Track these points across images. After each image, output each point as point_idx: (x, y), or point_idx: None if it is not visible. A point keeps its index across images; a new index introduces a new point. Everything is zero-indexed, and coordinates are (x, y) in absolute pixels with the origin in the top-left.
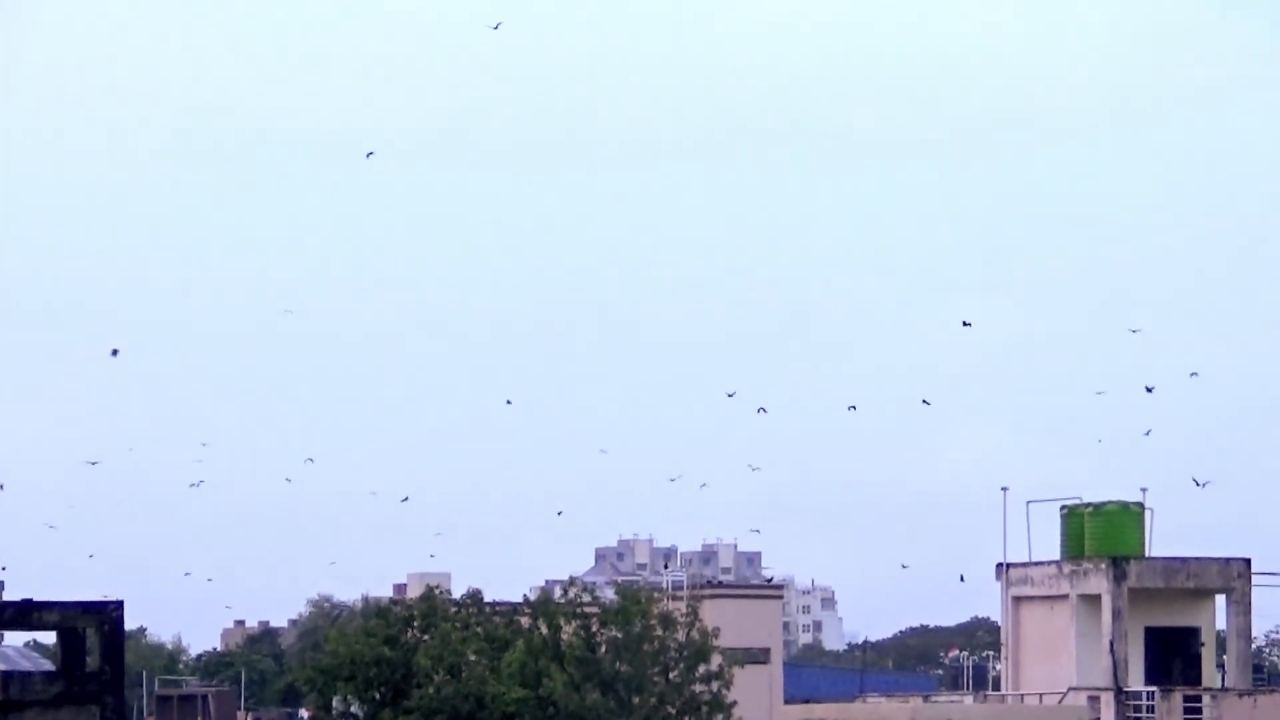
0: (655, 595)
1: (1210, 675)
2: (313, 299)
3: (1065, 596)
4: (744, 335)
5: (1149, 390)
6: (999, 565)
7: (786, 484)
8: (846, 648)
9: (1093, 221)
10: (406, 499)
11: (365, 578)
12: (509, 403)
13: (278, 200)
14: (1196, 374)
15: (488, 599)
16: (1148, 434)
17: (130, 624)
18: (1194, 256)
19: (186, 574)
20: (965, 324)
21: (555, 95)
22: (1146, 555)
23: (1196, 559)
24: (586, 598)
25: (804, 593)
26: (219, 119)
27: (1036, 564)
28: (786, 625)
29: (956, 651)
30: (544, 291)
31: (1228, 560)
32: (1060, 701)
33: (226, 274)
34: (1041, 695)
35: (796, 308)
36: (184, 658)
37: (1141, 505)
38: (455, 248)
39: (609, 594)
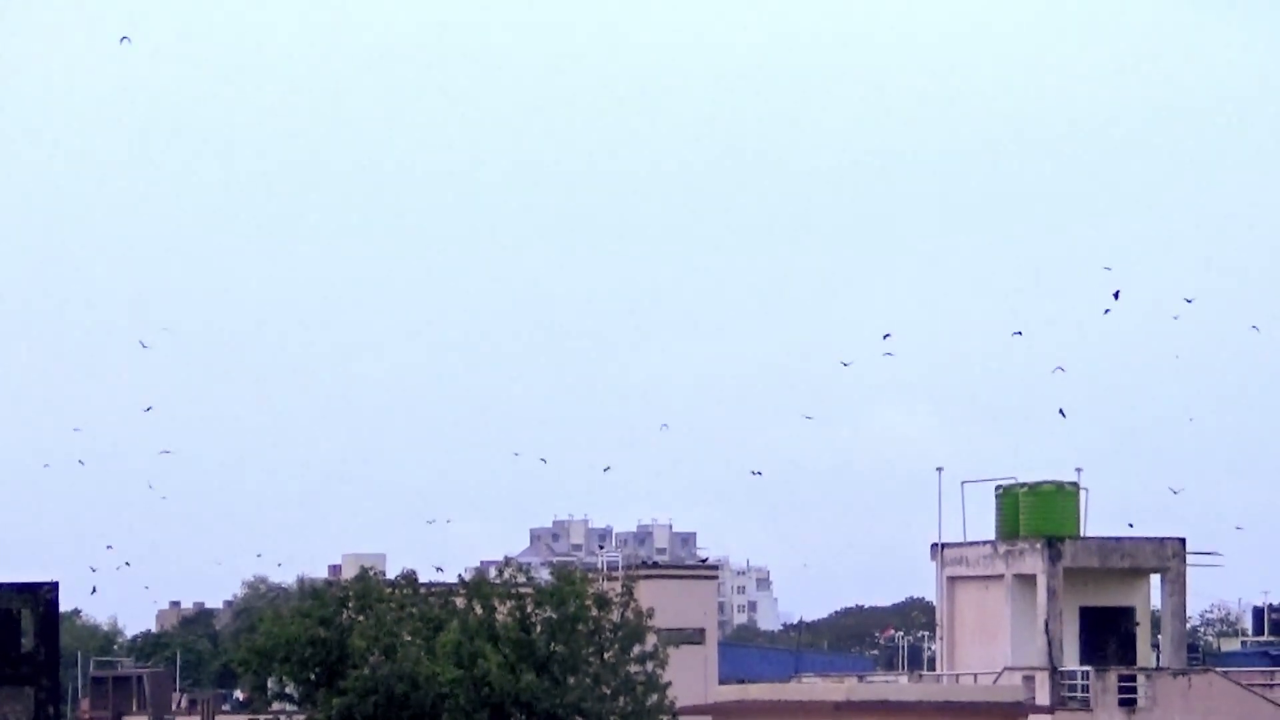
0: (590, 576)
1: (1145, 655)
2: (260, 284)
3: (1000, 576)
4: (673, 314)
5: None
6: (934, 545)
7: (720, 465)
8: (781, 628)
9: (1022, 198)
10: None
11: (300, 559)
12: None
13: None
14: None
15: (422, 580)
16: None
17: (65, 605)
18: (1125, 234)
19: (126, 564)
20: (1115, 295)
21: (523, 84)
22: (1081, 535)
23: (1131, 539)
24: (521, 578)
25: (739, 573)
26: (177, 118)
27: (971, 544)
28: (721, 606)
29: (892, 632)
30: (471, 268)
31: (1162, 540)
32: (995, 681)
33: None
34: (976, 675)
35: (725, 287)
36: (119, 639)
37: (1076, 485)
38: (406, 220)
39: (544, 575)
